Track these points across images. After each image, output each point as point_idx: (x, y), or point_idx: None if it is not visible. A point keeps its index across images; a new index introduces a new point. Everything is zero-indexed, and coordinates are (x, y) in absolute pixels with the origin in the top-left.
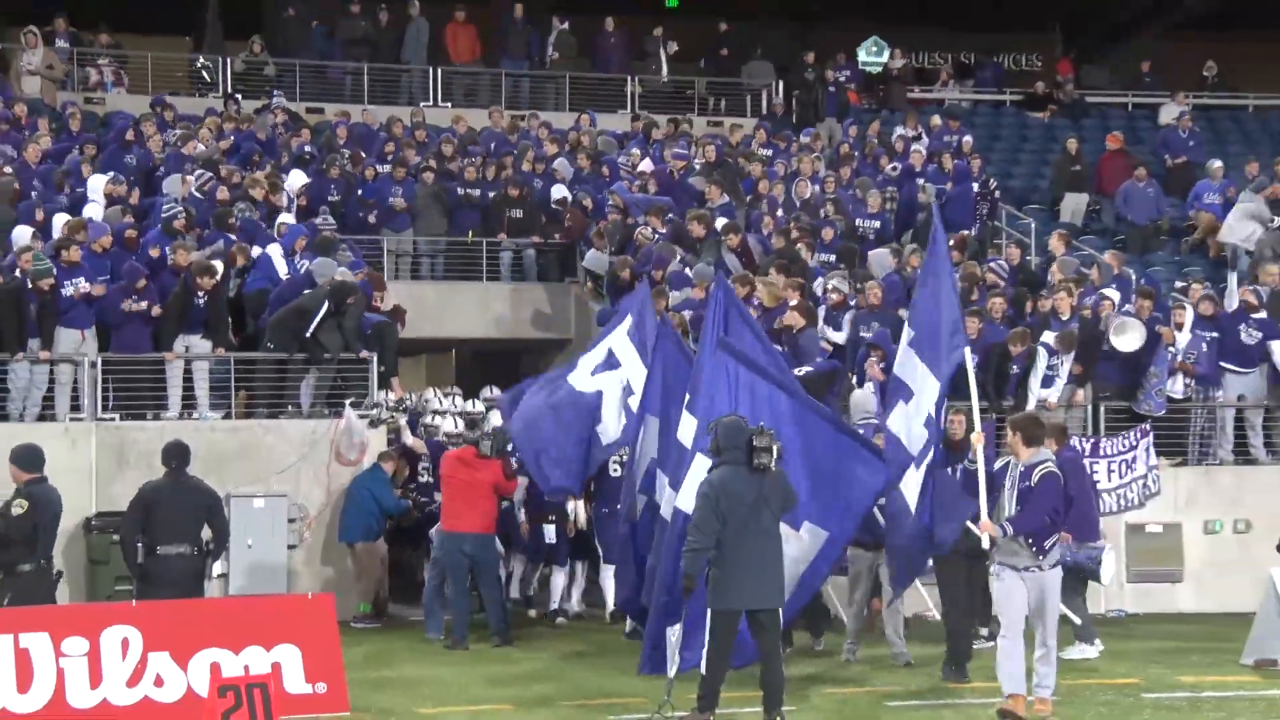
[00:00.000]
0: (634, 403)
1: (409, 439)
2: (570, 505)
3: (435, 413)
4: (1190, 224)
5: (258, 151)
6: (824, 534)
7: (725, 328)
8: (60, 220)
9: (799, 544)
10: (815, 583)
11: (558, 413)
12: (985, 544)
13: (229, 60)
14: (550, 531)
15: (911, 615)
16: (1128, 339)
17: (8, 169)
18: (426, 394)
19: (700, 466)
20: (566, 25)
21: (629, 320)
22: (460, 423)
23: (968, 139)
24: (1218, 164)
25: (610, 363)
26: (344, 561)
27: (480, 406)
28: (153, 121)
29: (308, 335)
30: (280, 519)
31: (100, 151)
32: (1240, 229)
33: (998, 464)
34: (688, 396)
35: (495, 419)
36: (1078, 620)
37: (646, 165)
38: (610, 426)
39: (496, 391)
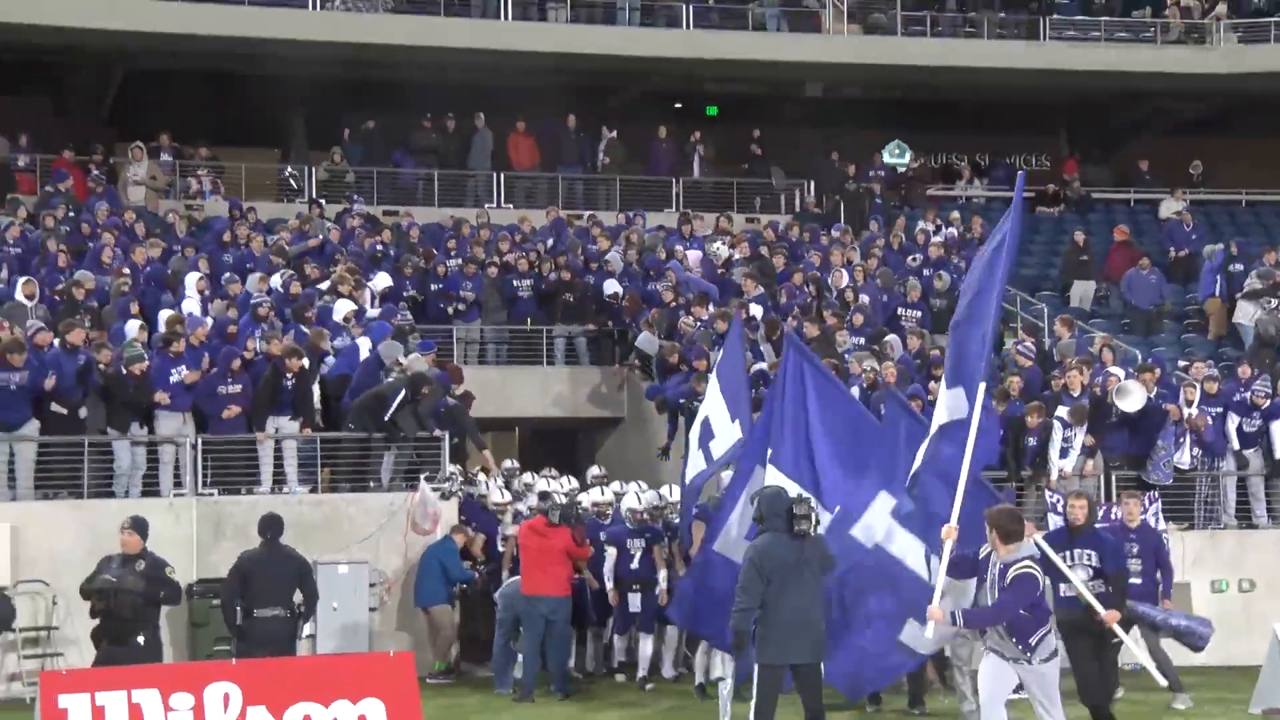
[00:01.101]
0: (716, 446)
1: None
2: (662, 574)
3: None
4: (1198, 308)
5: (340, 252)
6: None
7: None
8: (164, 315)
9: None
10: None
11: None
12: (929, 633)
13: (313, 169)
14: (635, 600)
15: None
16: (1130, 400)
17: (125, 270)
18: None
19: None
20: (615, 134)
21: (719, 354)
22: (507, 493)
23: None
24: (1216, 247)
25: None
26: (420, 622)
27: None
28: (246, 225)
29: (385, 419)
30: (362, 584)
31: (199, 253)
32: (1249, 310)
33: (981, 553)
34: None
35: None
36: (1163, 681)
37: (722, 251)
38: (694, 462)
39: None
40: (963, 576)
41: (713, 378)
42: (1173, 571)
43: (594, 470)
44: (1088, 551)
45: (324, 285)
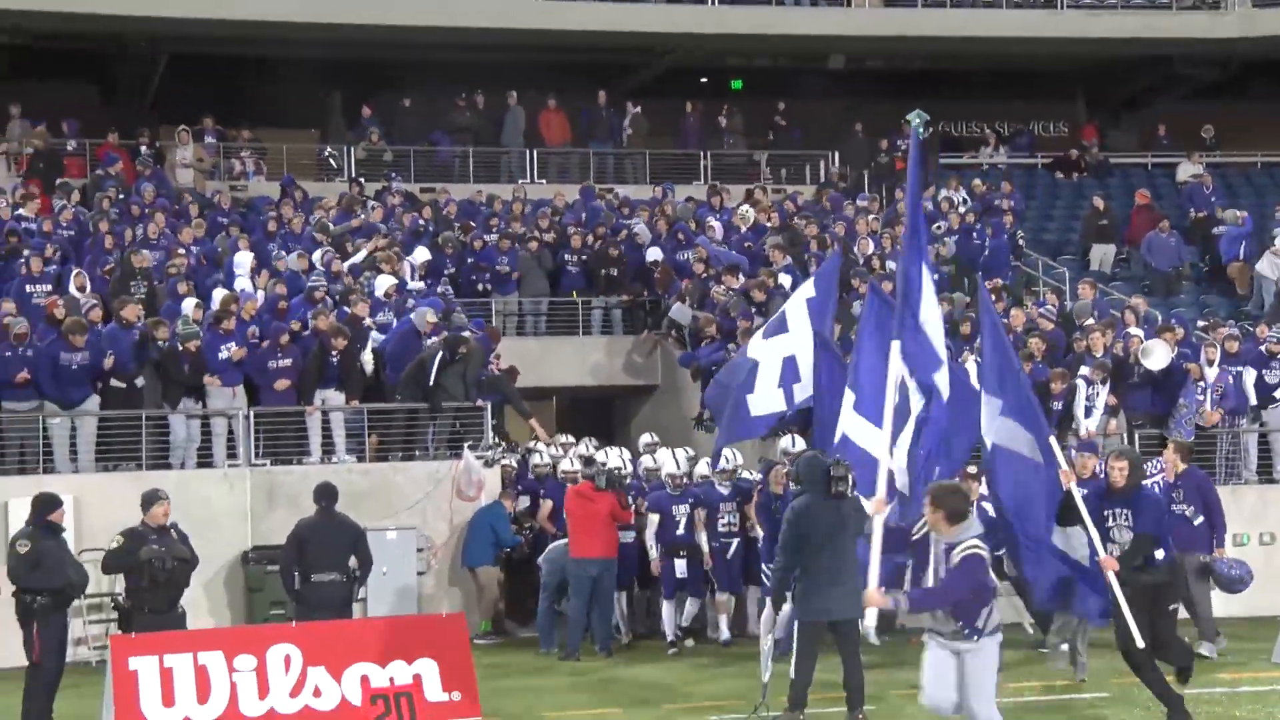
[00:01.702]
0: (803, 379)
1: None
2: (702, 538)
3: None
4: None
5: (381, 231)
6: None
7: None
8: (219, 294)
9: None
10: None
11: (725, 376)
12: (870, 620)
13: (352, 149)
14: (681, 566)
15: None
16: (1155, 358)
17: (180, 250)
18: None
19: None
20: (639, 109)
21: (810, 285)
22: (577, 462)
23: (1007, 197)
24: (1240, 213)
25: (780, 326)
26: (466, 585)
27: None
28: (290, 204)
29: (430, 384)
30: (410, 549)
31: (245, 232)
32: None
33: (918, 532)
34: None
35: (608, 457)
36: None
37: (749, 214)
38: (764, 399)
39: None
40: (893, 551)
41: (803, 321)
42: (1223, 516)
43: (645, 438)
44: (1125, 511)
45: (359, 257)
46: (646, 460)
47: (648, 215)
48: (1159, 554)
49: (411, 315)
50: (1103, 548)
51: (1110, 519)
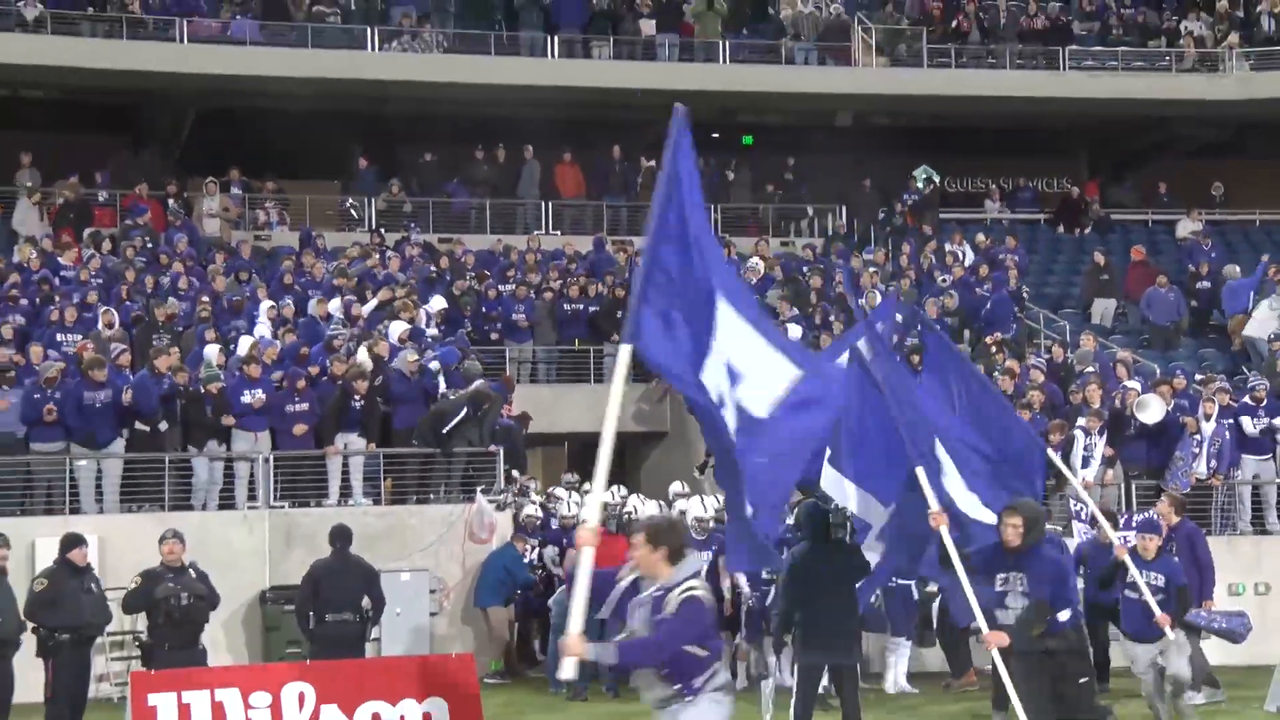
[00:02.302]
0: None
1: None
2: (726, 584)
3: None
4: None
5: (399, 282)
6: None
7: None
8: (245, 341)
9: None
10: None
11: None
12: (567, 672)
13: (373, 200)
14: None
15: None
16: (1150, 413)
17: (205, 299)
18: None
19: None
20: (654, 164)
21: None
22: (535, 509)
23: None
24: (1235, 268)
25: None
26: (477, 625)
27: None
28: (311, 253)
29: (444, 433)
30: (423, 590)
31: (265, 281)
32: (1265, 324)
33: (627, 578)
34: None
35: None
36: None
37: (759, 267)
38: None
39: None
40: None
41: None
42: (1211, 569)
43: (676, 486)
44: (1019, 575)
45: (371, 304)
46: (679, 506)
47: None
48: (1063, 616)
49: (466, 363)
50: (983, 619)
51: (1003, 583)
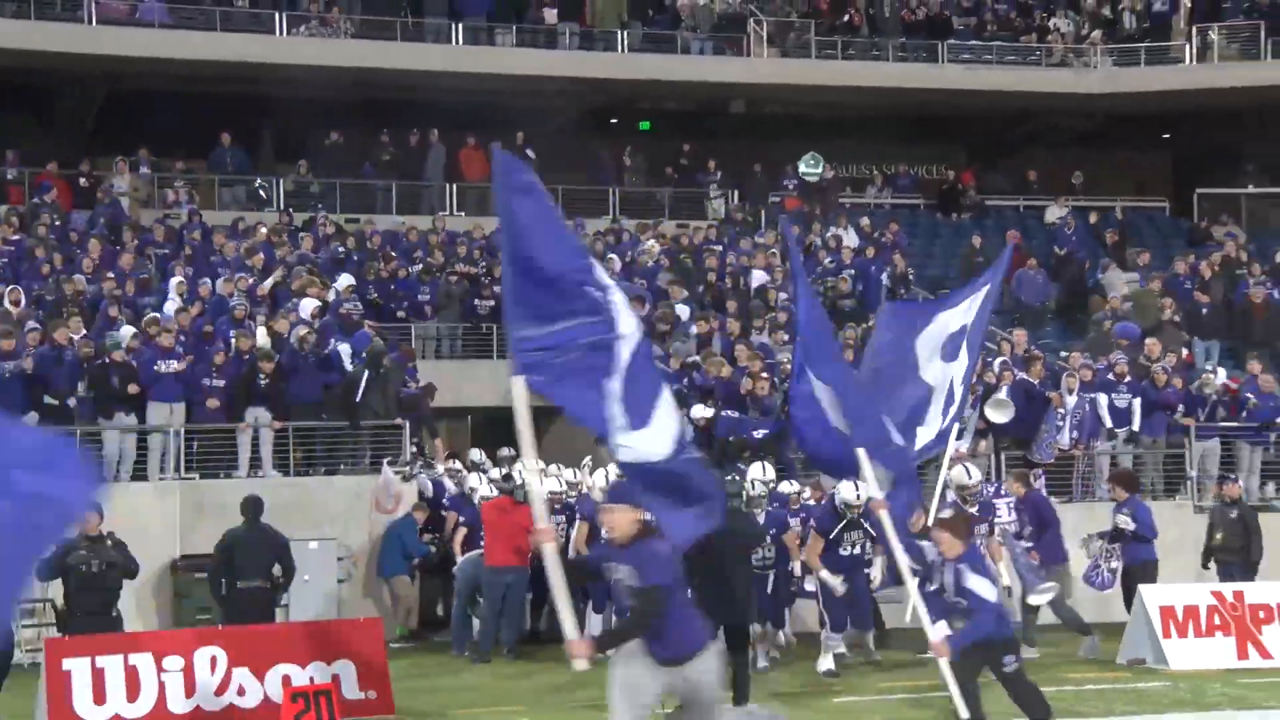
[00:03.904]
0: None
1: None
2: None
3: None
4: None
5: (311, 261)
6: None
7: None
8: (148, 318)
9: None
10: None
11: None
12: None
13: (281, 181)
14: None
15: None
16: (998, 414)
17: (110, 275)
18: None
19: None
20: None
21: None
22: (487, 483)
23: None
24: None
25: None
26: (383, 593)
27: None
28: (223, 232)
29: (357, 401)
30: (331, 558)
31: (175, 258)
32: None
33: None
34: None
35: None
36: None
37: (654, 248)
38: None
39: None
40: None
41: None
42: (1055, 526)
43: (587, 459)
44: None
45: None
46: (587, 477)
47: None
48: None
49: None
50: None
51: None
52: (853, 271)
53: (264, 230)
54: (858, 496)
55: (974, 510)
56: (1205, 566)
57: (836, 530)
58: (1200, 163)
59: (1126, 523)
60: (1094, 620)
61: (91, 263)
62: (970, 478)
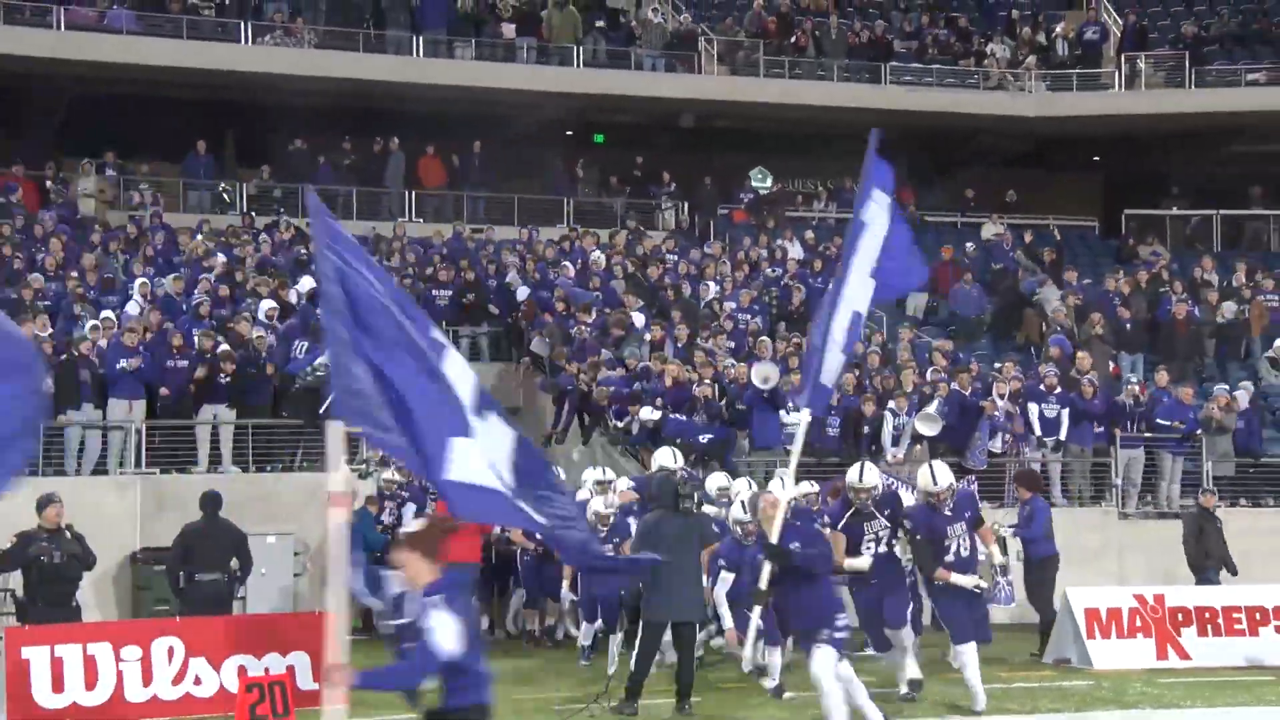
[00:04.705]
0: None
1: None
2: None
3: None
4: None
5: (272, 266)
6: None
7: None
8: (103, 315)
9: None
10: None
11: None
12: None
13: (244, 185)
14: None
15: None
16: (927, 428)
17: (74, 274)
18: None
19: None
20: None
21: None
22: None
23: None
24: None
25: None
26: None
27: None
28: (189, 233)
29: (320, 411)
30: (288, 552)
31: (138, 257)
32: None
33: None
34: None
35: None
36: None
37: (600, 260)
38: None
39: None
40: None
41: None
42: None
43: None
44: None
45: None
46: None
47: (508, 256)
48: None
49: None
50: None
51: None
52: (796, 283)
53: (227, 230)
54: (860, 478)
55: (947, 511)
56: (1198, 579)
57: (846, 520)
58: (1129, 184)
59: (1004, 531)
60: (1012, 622)
61: (54, 261)
62: (936, 483)
